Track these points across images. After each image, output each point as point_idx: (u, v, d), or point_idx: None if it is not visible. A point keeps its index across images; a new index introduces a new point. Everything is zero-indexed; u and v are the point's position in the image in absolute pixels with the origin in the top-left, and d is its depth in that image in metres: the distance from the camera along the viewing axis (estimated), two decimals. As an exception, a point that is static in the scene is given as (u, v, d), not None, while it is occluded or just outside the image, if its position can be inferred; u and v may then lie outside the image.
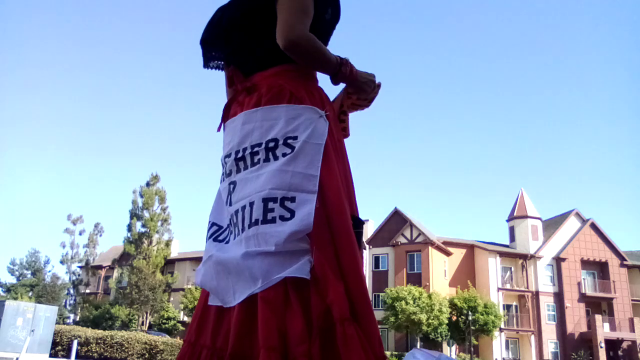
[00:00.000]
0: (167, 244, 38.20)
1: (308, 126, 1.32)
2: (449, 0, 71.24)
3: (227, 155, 1.40)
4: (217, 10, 1.59)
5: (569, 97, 65.05)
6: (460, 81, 67.23)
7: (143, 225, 37.15)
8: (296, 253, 1.21)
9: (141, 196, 37.52)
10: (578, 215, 39.98)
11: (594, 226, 39.30)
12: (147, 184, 37.97)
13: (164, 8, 71.62)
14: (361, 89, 1.50)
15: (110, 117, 69.14)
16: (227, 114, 1.48)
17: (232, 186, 1.36)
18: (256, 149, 1.33)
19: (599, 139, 65.02)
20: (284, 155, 1.30)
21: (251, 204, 1.28)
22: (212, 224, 1.44)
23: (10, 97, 64.60)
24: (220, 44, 1.55)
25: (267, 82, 1.41)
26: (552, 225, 40.17)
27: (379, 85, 1.54)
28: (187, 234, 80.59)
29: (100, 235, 46.54)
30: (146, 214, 37.17)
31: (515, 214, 39.85)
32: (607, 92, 64.27)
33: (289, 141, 1.31)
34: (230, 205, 1.35)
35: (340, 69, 1.41)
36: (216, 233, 1.41)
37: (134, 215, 37.30)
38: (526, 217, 39.19)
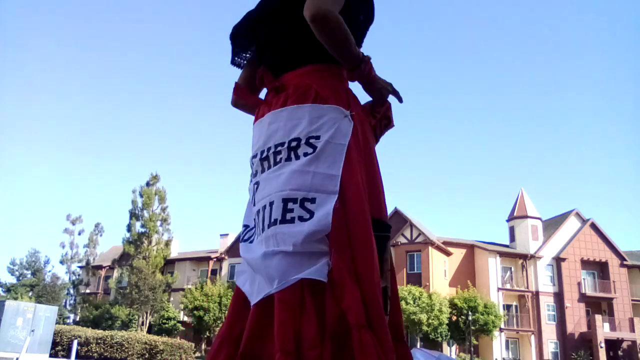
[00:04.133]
0: (167, 244, 38.20)
1: (331, 126, 1.31)
2: (448, 0, 71.24)
3: (254, 156, 1.40)
4: (251, 10, 1.59)
5: (569, 97, 65.07)
6: (460, 81, 67.25)
7: (143, 225, 37.13)
8: (315, 255, 1.20)
9: (141, 196, 37.51)
10: (578, 215, 39.97)
11: (594, 226, 39.30)
12: (147, 184, 37.97)
13: (163, 8, 71.64)
14: (377, 94, 1.48)
15: (110, 117, 69.16)
16: (258, 113, 1.48)
17: (256, 186, 1.36)
18: (279, 148, 1.33)
19: (599, 139, 65.05)
20: (305, 154, 1.29)
21: (271, 204, 1.27)
22: (243, 226, 1.46)
23: (10, 97, 64.65)
24: (250, 43, 1.56)
25: (294, 81, 1.40)
26: (552, 225, 40.17)
27: (395, 93, 1.51)
28: (187, 234, 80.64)
29: (101, 235, 46.56)
30: (146, 214, 37.17)
31: (515, 214, 39.85)
32: (607, 92, 64.31)
33: (312, 141, 1.30)
34: (254, 205, 1.36)
35: (359, 64, 1.39)
36: (245, 234, 1.43)
37: (134, 215, 37.30)
38: (526, 217, 39.18)
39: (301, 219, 1.22)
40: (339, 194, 1.23)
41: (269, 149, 1.35)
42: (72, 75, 67.11)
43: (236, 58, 1.63)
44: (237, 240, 44.50)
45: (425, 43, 68.68)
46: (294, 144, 1.31)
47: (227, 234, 44.20)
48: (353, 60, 1.37)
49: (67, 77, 67.37)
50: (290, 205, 1.25)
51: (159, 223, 37.60)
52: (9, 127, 65.12)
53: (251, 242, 1.37)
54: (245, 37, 1.57)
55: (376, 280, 1.17)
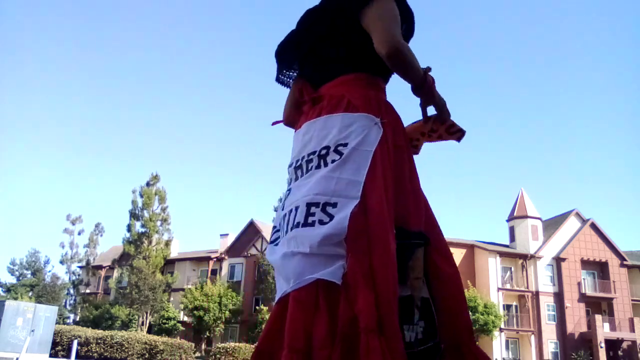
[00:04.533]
0: (167, 244, 38.20)
1: (360, 133, 1.34)
2: (448, 1, 71.23)
3: (290, 165, 1.45)
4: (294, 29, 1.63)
5: (569, 97, 65.08)
6: (460, 81, 67.25)
7: (143, 225, 37.14)
8: (331, 257, 1.22)
9: (141, 196, 37.52)
10: (578, 215, 39.96)
11: (594, 226, 39.29)
12: (147, 184, 37.97)
13: (164, 8, 71.62)
14: (439, 108, 1.53)
15: (111, 117, 69.16)
16: (297, 125, 1.55)
17: (288, 193, 1.40)
18: (311, 156, 1.37)
19: (599, 139, 65.05)
20: (332, 161, 1.32)
21: (296, 208, 1.31)
22: (273, 228, 1.49)
23: (10, 97, 64.65)
24: (293, 57, 1.59)
25: (330, 92, 1.45)
26: (552, 225, 40.16)
27: (460, 131, 1.57)
28: (187, 234, 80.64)
29: (101, 236, 46.56)
30: (146, 214, 37.17)
31: (515, 214, 39.84)
32: (608, 92, 64.30)
33: (339, 148, 1.33)
34: (282, 209, 1.39)
35: (425, 78, 1.45)
36: (272, 236, 1.46)
37: (134, 215, 37.31)
38: (526, 217, 39.17)
39: (321, 222, 1.25)
40: (360, 200, 1.25)
41: (302, 157, 1.40)
42: (72, 75, 67.14)
43: (280, 76, 1.67)
44: (237, 241, 44.51)
45: (425, 42, 68.70)
46: (323, 152, 1.35)
47: (227, 234, 44.19)
48: (420, 78, 1.43)
49: (67, 77, 67.40)
50: (313, 209, 1.28)
51: (159, 223, 37.61)
52: (9, 127, 65.16)
53: (276, 244, 1.39)
54: (290, 55, 1.61)
55: (391, 287, 1.17)
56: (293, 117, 1.61)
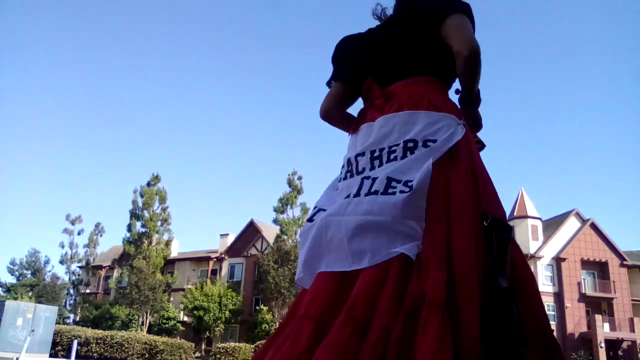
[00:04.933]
0: (167, 244, 38.19)
1: (447, 131, 1.40)
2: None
3: (360, 154, 1.46)
4: (356, 34, 1.75)
5: (569, 96, 65.07)
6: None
7: (143, 225, 37.14)
8: (408, 235, 1.23)
9: (141, 196, 37.53)
10: (578, 215, 39.96)
11: (594, 226, 39.29)
12: (148, 184, 37.98)
13: (164, 8, 71.61)
14: (479, 120, 1.67)
15: (111, 117, 69.16)
16: (363, 117, 1.59)
17: (365, 180, 1.39)
18: (394, 147, 1.41)
19: (599, 139, 65.05)
20: (396, 159, 1.40)
21: (374, 179, 1.34)
22: (316, 209, 1.47)
23: (10, 97, 64.65)
24: (361, 59, 1.67)
25: (406, 90, 1.53)
26: (552, 225, 40.16)
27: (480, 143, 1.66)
28: (187, 234, 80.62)
29: (101, 236, 46.56)
30: (146, 214, 37.17)
31: (515, 214, 39.83)
32: (608, 91, 64.31)
33: (428, 143, 1.38)
34: (358, 197, 1.36)
35: (479, 91, 1.58)
36: (315, 214, 1.46)
37: (134, 215, 37.30)
38: (526, 217, 39.17)
39: (402, 192, 1.27)
40: (443, 188, 1.30)
41: (381, 149, 1.43)
42: (73, 75, 67.13)
43: (333, 80, 1.76)
44: (237, 240, 44.46)
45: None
46: (410, 144, 1.39)
47: (227, 234, 44.20)
48: (477, 87, 1.56)
49: (67, 77, 67.39)
50: (393, 183, 1.31)
51: (159, 223, 37.61)
52: (9, 127, 65.16)
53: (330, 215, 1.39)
54: (348, 59, 1.72)
55: (472, 270, 1.17)
56: (333, 113, 1.74)
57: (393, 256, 1.20)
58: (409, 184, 1.29)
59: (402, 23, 1.66)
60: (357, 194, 1.34)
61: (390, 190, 1.29)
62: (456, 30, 1.52)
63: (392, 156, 1.40)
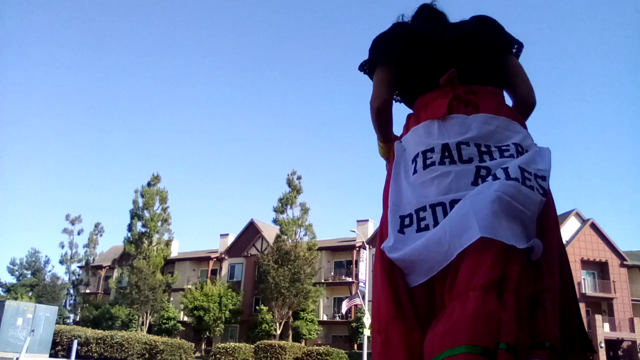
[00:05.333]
0: (167, 244, 38.20)
1: (535, 147, 1.51)
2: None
3: (464, 143, 1.46)
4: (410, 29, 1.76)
5: (569, 96, 65.09)
6: (460, 81, 67.17)
7: (143, 225, 37.13)
8: (534, 233, 1.31)
9: (142, 196, 37.52)
10: (578, 215, 39.93)
11: (594, 226, 39.26)
12: (148, 184, 37.98)
13: (164, 8, 71.60)
14: None
15: (111, 117, 69.16)
16: (441, 107, 1.55)
17: (483, 170, 1.41)
18: (504, 147, 1.46)
19: (599, 139, 65.06)
20: (512, 156, 1.47)
21: (504, 168, 1.35)
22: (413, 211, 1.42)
23: (10, 97, 64.64)
24: (416, 49, 1.66)
25: (494, 98, 1.58)
26: (552, 225, 40.09)
27: None
28: (187, 234, 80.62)
29: (101, 236, 46.62)
30: (147, 214, 37.16)
31: (515, 214, 39.80)
32: (607, 91, 64.30)
33: (504, 152, 1.46)
34: (472, 184, 1.39)
35: None
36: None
37: (135, 215, 37.29)
38: (526, 217, 39.13)
39: (538, 190, 1.34)
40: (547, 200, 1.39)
41: (487, 145, 1.46)
42: (73, 75, 67.14)
43: (365, 66, 1.74)
44: (237, 240, 44.45)
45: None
46: (520, 149, 1.46)
47: (227, 234, 44.19)
48: None
49: (67, 77, 67.40)
50: (526, 174, 1.34)
51: (159, 223, 37.60)
52: (9, 127, 65.14)
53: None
54: (403, 45, 1.67)
55: (572, 279, 1.41)
56: (390, 104, 1.67)
57: (531, 246, 1.25)
58: (539, 181, 1.36)
59: (475, 35, 1.68)
60: (496, 178, 1.35)
61: (527, 183, 1.33)
62: (523, 73, 1.69)
63: (506, 154, 1.44)
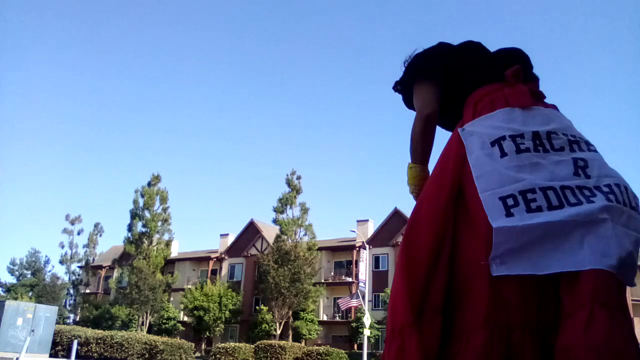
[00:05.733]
0: (167, 244, 38.19)
1: None
2: (446, 1, 71.18)
3: (553, 132, 1.51)
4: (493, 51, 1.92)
5: (569, 96, 65.10)
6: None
7: (144, 225, 37.12)
8: None
9: (142, 196, 37.51)
10: (578, 215, 39.94)
11: (594, 226, 39.28)
12: (149, 184, 37.97)
13: (165, 8, 71.61)
14: None
15: (112, 117, 69.18)
16: (515, 97, 1.60)
17: (581, 162, 1.45)
18: (577, 139, 1.53)
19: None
20: (595, 150, 1.54)
21: (625, 188, 1.41)
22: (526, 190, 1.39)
23: (10, 97, 64.64)
24: (441, 69, 1.75)
25: (542, 95, 1.72)
26: (552, 225, 40.09)
27: None
28: (187, 234, 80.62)
29: (100, 236, 46.61)
30: (147, 214, 37.15)
31: (515, 214, 39.81)
32: (607, 91, 64.30)
33: (590, 147, 1.54)
34: (588, 178, 1.42)
35: None
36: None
37: (135, 215, 37.28)
38: (526, 217, 39.12)
39: None
40: None
41: (573, 135, 1.53)
42: (73, 75, 67.15)
43: (399, 86, 1.85)
44: (237, 240, 44.38)
45: (424, 41, 68.60)
46: (585, 140, 1.55)
47: (227, 234, 44.20)
48: None
49: (68, 77, 67.40)
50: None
51: (160, 223, 37.59)
52: (10, 127, 65.14)
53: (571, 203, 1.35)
54: (439, 68, 1.75)
55: None
56: (436, 116, 1.72)
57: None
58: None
59: (515, 51, 1.90)
60: (625, 203, 1.39)
61: (639, 210, 1.40)
62: None
63: (591, 147, 1.52)
